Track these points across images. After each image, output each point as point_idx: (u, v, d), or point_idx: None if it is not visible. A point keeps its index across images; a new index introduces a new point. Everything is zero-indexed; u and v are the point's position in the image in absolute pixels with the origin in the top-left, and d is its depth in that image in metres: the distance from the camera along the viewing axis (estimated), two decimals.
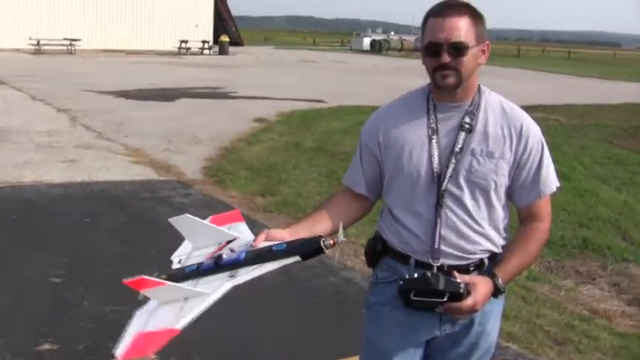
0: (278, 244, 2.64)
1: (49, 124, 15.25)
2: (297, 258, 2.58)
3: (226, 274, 2.63)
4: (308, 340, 5.49)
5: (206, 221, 2.95)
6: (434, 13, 2.75)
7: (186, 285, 2.64)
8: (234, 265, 2.63)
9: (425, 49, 2.79)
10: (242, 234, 2.87)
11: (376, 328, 3.05)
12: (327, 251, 2.56)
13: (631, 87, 36.62)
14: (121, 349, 2.48)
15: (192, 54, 48.98)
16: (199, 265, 2.73)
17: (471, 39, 2.71)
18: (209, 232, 2.87)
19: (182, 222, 2.88)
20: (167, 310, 2.55)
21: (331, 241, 2.56)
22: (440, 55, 2.73)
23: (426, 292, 2.70)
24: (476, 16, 2.75)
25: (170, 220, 2.90)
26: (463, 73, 2.74)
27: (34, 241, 7.44)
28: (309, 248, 2.58)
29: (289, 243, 2.64)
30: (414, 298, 2.72)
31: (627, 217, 9.55)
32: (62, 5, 48.70)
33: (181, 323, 2.45)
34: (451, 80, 2.76)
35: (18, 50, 42.73)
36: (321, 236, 2.58)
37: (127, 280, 2.57)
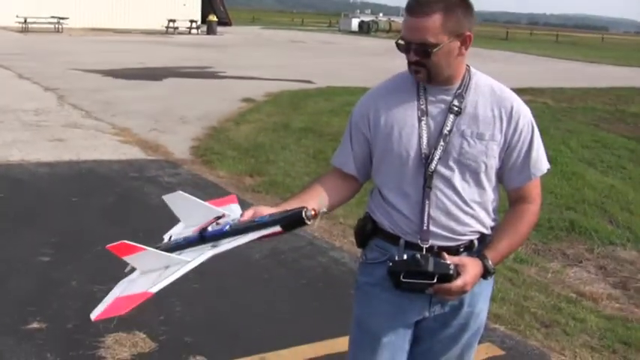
0: (261, 217, 2.64)
1: (36, 103, 15.17)
2: (277, 228, 2.57)
3: (209, 244, 2.64)
4: (297, 320, 5.50)
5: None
6: (407, 9, 2.73)
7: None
8: (217, 236, 2.64)
9: (396, 45, 2.81)
10: (233, 212, 2.87)
11: (366, 308, 3.06)
12: (309, 222, 2.54)
13: (618, 71, 36.74)
14: (95, 312, 2.53)
15: (180, 33, 48.77)
16: (185, 238, 2.74)
17: (441, 36, 2.67)
18: (201, 210, 2.87)
19: (175, 199, 2.89)
20: (147, 277, 2.58)
21: (312, 212, 2.54)
22: (408, 53, 2.75)
23: (415, 273, 2.70)
24: (452, 8, 2.68)
25: (164, 197, 2.91)
26: (432, 71, 2.74)
27: (22, 219, 7.42)
28: (291, 219, 2.57)
29: (272, 215, 2.63)
30: (403, 280, 2.72)
31: (613, 200, 9.60)
32: None
33: (156, 287, 2.47)
34: (421, 76, 2.79)
35: (5, 28, 42.41)
36: (303, 207, 2.56)
37: (109, 245, 2.58)
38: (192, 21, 50.82)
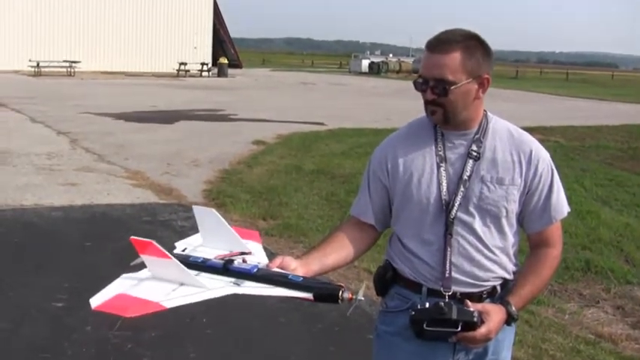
0: (295, 275, 2.56)
1: (49, 147, 15.25)
2: (310, 296, 2.48)
3: (231, 279, 2.52)
4: None
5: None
6: (427, 46, 2.75)
7: None
8: (243, 275, 2.53)
9: (414, 83, 2.81)
10: (256, 252, 2.79)
11: (387, 358, 3.02)
12: (340, 302, 2.46)
13: (629, 108, 36.71)
14: (97, 300, 2.38)
15: (191, 76, 49.14)
16: (205, 260, 2.62)
17: (460, 75, 2.69)
18: (226, 236, 2.78)
19: (204, 215, 2.80)
20: (159, 286, 2.46)
21: (349, 296, 2.46)
22: (425, 92, 2.75)
23: (439, 321, 2.65)
24: (472, 50, 2.71)
25: (194, 207, 2.85)
26: (449, 110, 2.74)
27: (35, 264, 7.40)
28: (326, 292, 2.49)
29: (307, 279, 2.55)
30: (427, 329, 2.67)
31: (629, 239, 9.51)
32: (62, 27, 48.90)
33: (172, 303, 2.35)
34: (438, 117, 2.78)
35: (17, 72, 42.87)
36: (341, 286, 2.49)
37: (133, 238, 2.49)
38: (203, 64, 51.22)
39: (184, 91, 35.24)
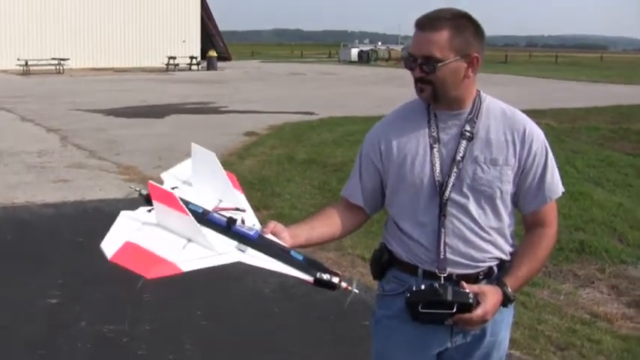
0: (297, 252, 2.53)
1: (39, 145, 15.20)
2: (310, 279, 2.48)
3: (234, 242, 2.48)
4: (311, 355, 5.45)
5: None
6: (416, 24, 2.75)
7: None
8: (245, 239, 2.48)
9: (403, 61, 2.81)
10: (247, 209, 2.73)
11: (385, 342, 3.01)
12: (335, 291, 2.48)
13: (619, 89, 36.71)
14: (110, 249, 2.34)
15: (181, 70, 48.96)
16: (205, 212, 2.54)
17: (448, 53, 2.67)
18: (219, 184, 2.73)
19: (202, 156, 2.73)
20: (167, 238, 2.40)
21: (344, 286, 2.47)
22: (413, 69, 2.74)
23: (434, 303, 2.64)
24: (461, 28, 2.70)
25: (193, 144, 2.77)
26: (438, 88, 2.72)
27: (28, 261, 7.38)
28: (325, 281, 2.48)
29: (308, 259, 2.52)
30: (422, 311, 2.66)
31: (622, 218, 9.52)
32: (50, 25, 48.75)
33: (187, 266, 2.28)
34: (426, 94, 2.77)
35: (6, 71, 42.68)
36: (340, 277, 2.49)
37: (151, 182, 2.41)
38: (192, 57, 51.08)
39: (174, 85, 35.15)
